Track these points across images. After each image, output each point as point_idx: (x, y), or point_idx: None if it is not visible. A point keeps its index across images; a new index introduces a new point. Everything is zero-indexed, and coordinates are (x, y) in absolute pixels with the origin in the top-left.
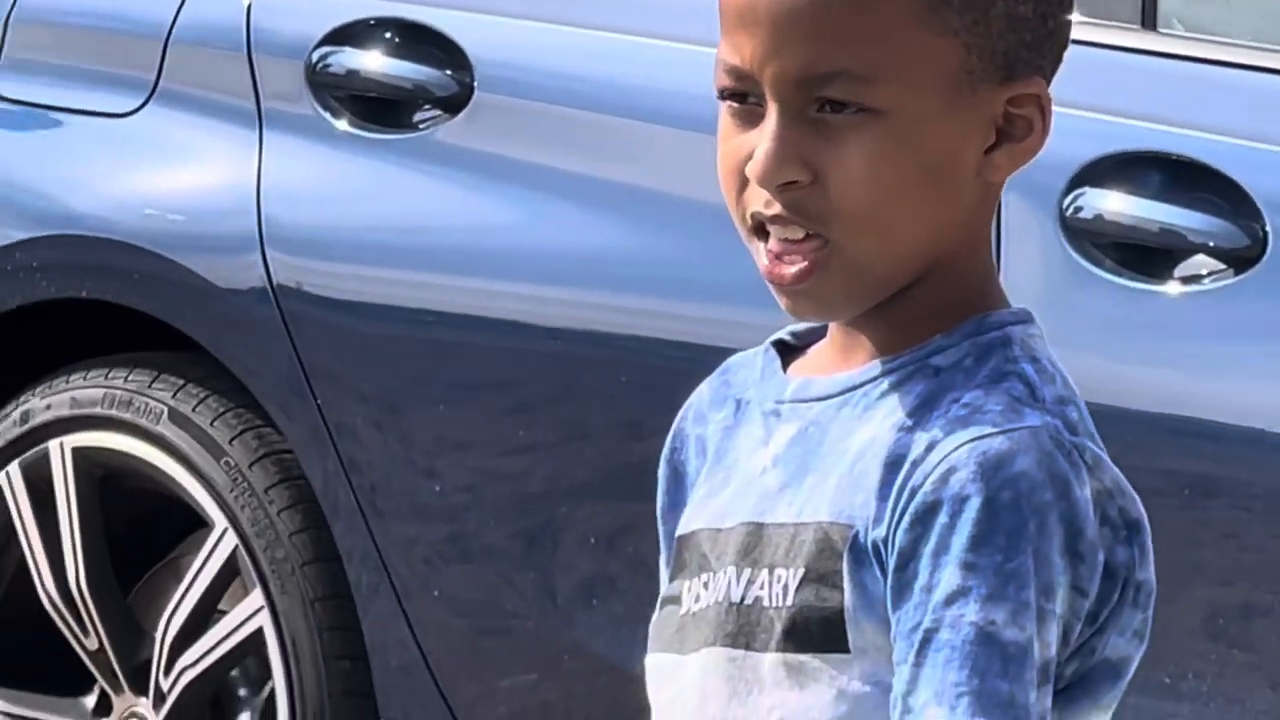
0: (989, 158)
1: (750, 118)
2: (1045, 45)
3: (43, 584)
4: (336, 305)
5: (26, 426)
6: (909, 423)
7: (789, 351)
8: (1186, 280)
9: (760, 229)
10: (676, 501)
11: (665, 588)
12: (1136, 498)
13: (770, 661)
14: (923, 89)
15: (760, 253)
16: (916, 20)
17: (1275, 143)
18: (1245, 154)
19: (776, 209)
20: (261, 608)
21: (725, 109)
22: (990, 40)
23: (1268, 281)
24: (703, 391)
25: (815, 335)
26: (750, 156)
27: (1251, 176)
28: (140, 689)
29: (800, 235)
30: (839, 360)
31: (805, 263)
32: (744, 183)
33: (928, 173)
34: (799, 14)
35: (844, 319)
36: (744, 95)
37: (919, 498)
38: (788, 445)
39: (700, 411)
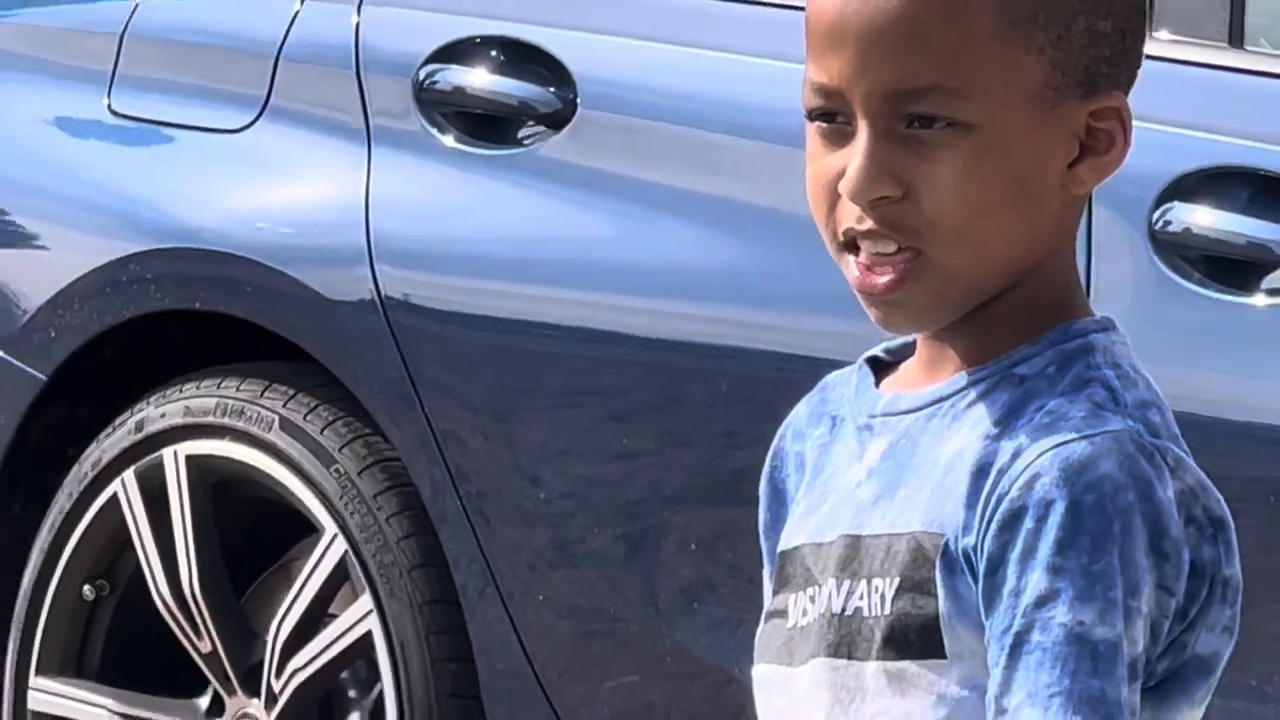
0: (1073, 171)
1: (838, 137)
2: (1123, 61)
3: (157, 588)
4: (444, 317)
5: (142, 435)
6: (995, 431)
7: (882, 368)
8: (1272, 293)
9: (851, 244)
10: (778, 518)
11: (769, 602)
12: (1220, 497)
13: (872, 670)
14: (1008, 103)
15: (850, 266)
16: (1002, 36)
17: None
18: None
19: (868, 224)
20: (370, 611)
21: (813, 129)
22: (1072, 55)
23: None
24: (800, 410)
25: (908, 351)
26: (840, 174)
27: None
28: (252, 690)
29: (892, 249)
30: (926, 374)
31: (895, 274)
32: (833, 201)
33: (1015, 186)
34: (889, 30)
35: (933, 329)
36: (833, 115)
37: (1005, 504)
38: (880, 458)
39: (799, 429)
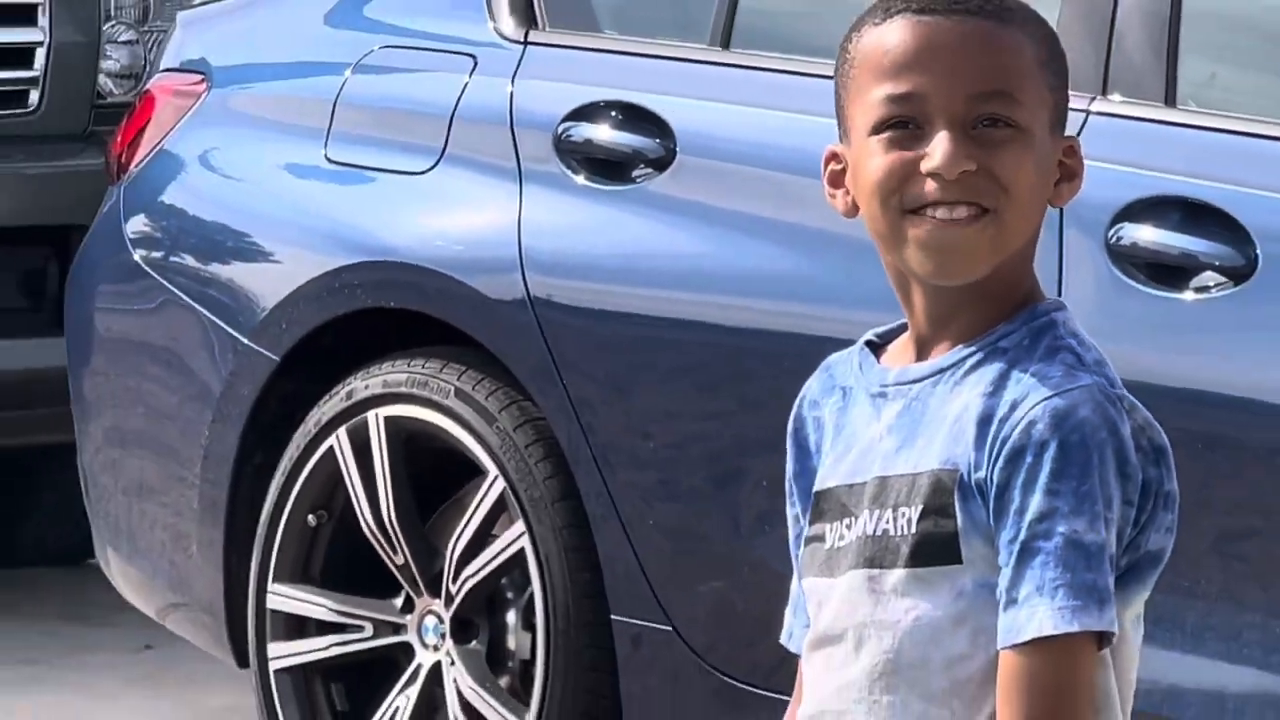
0: (1057, 188)
1: (909, 140)
2: (1067, 117)
3: (363, 517)
4: (576, 311)
5: (351, 402)
6: (991, 390)
7: (876, 350)
8: (1199, 290)
9: (917, 211)
10: (804, 467)
11: (805, 530)
12: (1160, 429)
13: (899, 576)
14: (1041, 120)
15: (918, 225)
16: (1039, 67)
17: (1261, 188)
18: (1239, 197)
19: (950, 193)
20: (523, 534)
21: (878, 140)
22: (1061, 101)
23: (1258, 291)
24: (812, 384)
25: (893, 335)
26: (913, 163)
27: (1244, 214)
28: (435, 593)
29: (963, 214)
30: (922, 350)
31: (969, 215)
32: (902, 182)
33: (1043, 180)
34: (969, 47)
35: (970, 279)
36: (905, 122)
37: (1009, 445)
38: (896, 417)
39: (813, 399)
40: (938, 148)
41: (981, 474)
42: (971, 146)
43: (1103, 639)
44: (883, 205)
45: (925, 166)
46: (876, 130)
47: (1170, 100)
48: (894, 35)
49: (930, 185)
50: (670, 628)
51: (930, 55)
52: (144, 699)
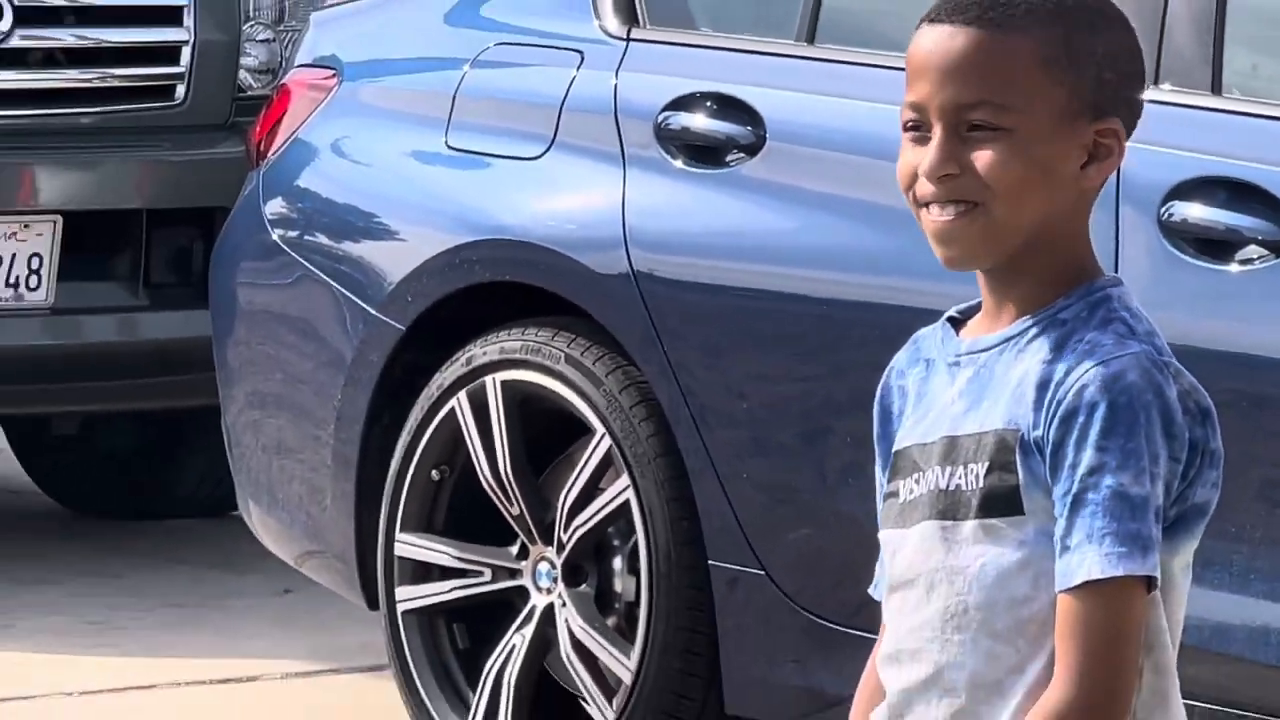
0: (1084, 171)
1: (921, 141)
2: (1123, 100)
3: (482, 473)
4: (676, 284)
5: (470, 367)
6: (1050, 357)
7: (956, 324)
8: (1243, 262)
9: (925, 205)
10: (887, 430)
11: (884, 486)
12: (1205, 393)
13: (970, 527)
14: (1036, 118)
15: (924, 220)
16: (1037, 69)
17: None
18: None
19: (938, 196)
20: (628, 486)
21: (906, 138)
22: (1085, 92)
23: None
24: (901, 356)
25: (973, 311)
26: (926, 168)
27: None
28: (547, 541)
29: (950, 212)
30: (992, 324)
31: (953, 217)
32: (911, 180)
33: (1041, 173)
34: (955, 63)
35: (980, 266)
36: (918, 126)
37: (1063, 407)
38: (967, 383)
39: (901, 370)
40: (927, 154)
41: (1039, 433)
42: (959, 148)
43: (1150, 583)
44: (906, 198)
45: (919, 170)
46: (904, 129)
47: (1216, 89)
48: (914, 44)
49: (925, 186)
50: (763, 572)
51: (929, 66)
52: (282, 639)
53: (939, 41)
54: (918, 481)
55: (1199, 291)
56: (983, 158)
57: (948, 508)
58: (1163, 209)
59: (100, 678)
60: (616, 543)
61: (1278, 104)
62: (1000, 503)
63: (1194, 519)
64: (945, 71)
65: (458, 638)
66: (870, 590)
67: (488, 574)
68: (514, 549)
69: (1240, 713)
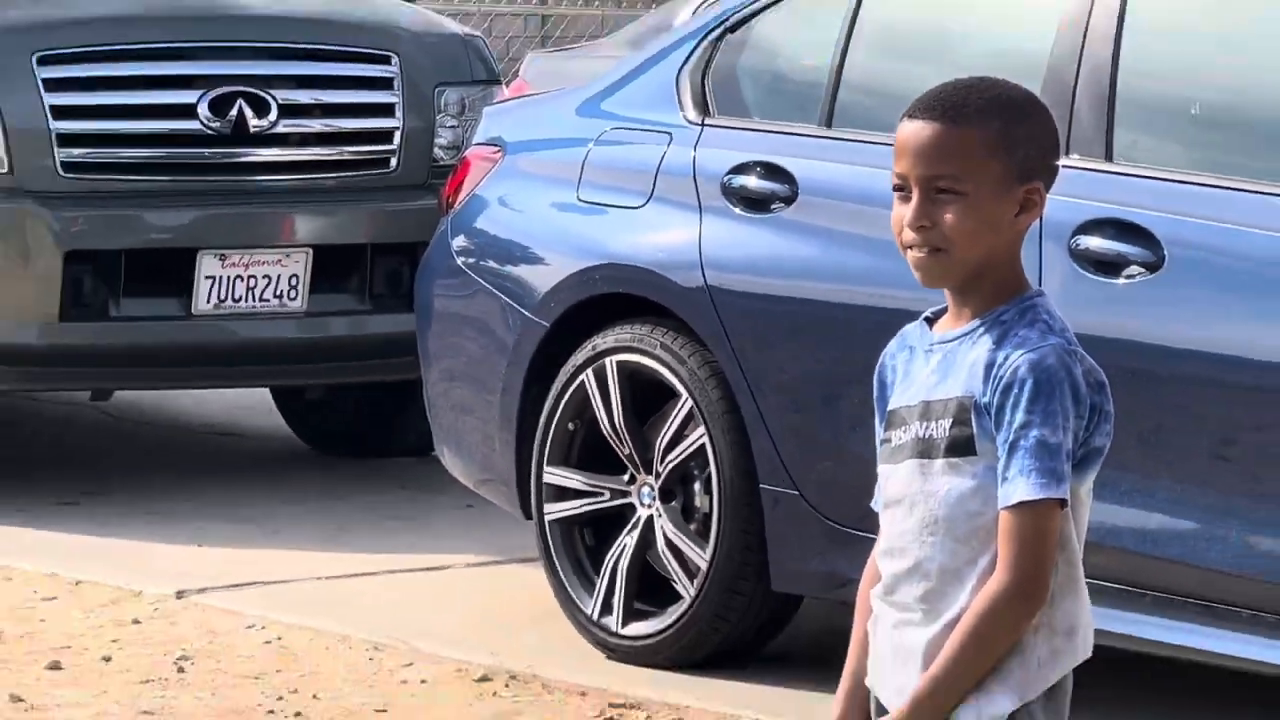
0: (1016, 219)
1: (905, 199)
2: (1044, 167)
3: (603, 424)
4: (736, 294)
5: (594, 352)
6: (994, 347)
7: (930, 322)
8: (1128, 277)
9: (909, 248)
10: (883, 396)
11: (881, 435)
12: (1101, 371)
13: (939, 464)
14: (982, 185)
15: (908, 255)
16: (982, 152)
17: (1166, 211)
18: (1153, 218)
19: (916, 239)
20: (703, 434)
21: (895, 196)
22: (1017, 165)
23: (1166, 277)
24: (892, 345)
25: (941, 313)
26: (908, 221)
27: (1156, 229)
28: (648, 472)
29: (924, 251)
30: (954, 323)
31: (926, 255)
32: (900, 228)
33: (986, 225)
34: (927, 147)
35: (945, 286)
36: (902, 188)
37: (1003, 382)
38: (938, 364)
39: (892, 354)
40: (909, 210)
41: (987, 399)
42: (931, 208)
43: (1062, 503)
44: (897, 240)
45: (905, 222)
46: (894, 190)
47: (1109, 157)
48: (899, 131)
49: (908, 234)
50: (797, 493)
51: (908, 148)
52: (465, 540)
53: (915, 132)
54: (904, 432)
55: (1097, 299)
56: (946, 216)
57: (924, 450)
58: (1071, 241)
59: (336, 567)
60: (695, 473)
61: (1151, 167)
62: (960, 447)
63: (1093, 459)
64: (919, 153)
65: (585, 539)
66: (871, 504)
67: (606, 495)
68: (625, 477)
69: (1125, 588)
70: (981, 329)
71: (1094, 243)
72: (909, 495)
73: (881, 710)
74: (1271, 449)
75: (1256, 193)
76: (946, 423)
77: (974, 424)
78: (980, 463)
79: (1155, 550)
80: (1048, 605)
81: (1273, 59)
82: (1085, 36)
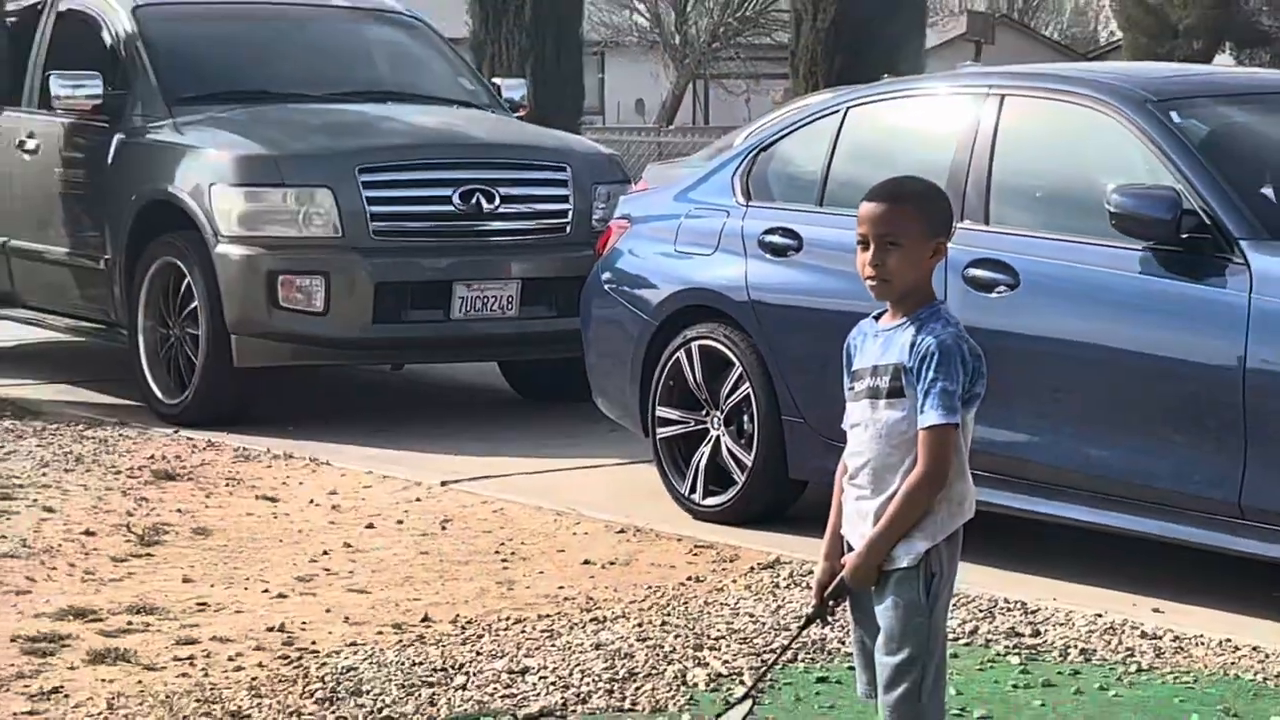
0: (931, 260)
1: (865, 248)
2: (946, 229)
3: (689, 381)
4: (768, 305)
5: (684, 339)
6: (916, 334)
7: (877, 318)
8: (998, 293)
9: (868, 280)
10: (849, 361)
11: (848, 386)
12: (979, 347)
13: (883, 402)
14: (912, 241)
15: (866, 284)
16: (911, 221)
17: (1020, 252)
18: (1014, 257)
19: (873, 276)
20: (748, 386)
21: (859, 248)
22: (930, 229)
23: (1022, 292)
24: (853, 332)
25: (883, 313)
26: (867, 262)
27: (1014, 262)
28: (716, 408)
29: (876, 283)
30: (891, 319)
31: (878, 284)
32: (862, 268)
33: (911, 265)
34: (878, 217)
35: (890, 301)
36: (864, 243)
37: (920, 354)
38: (881, 344)
39: (853, 337)
40: (868, 257)
41: (911, 365)
42: (880, 254)
43: (956, 426)
44: (861, 274)
45: (865, 264)
46: (858, 243)
47: (988, 221)
48: (862, 207)
49: (867, 270)
50: (803, 420)
51: (867, 218)
52: (611, 449)
53: (871, 209)
54: (861, 383)
55: (980, 305)
56: (890, 260)
57: (873, 394)
58: (964, 271)
59: (535, 466)
60: (743, 410)
61: (1013, 227)
62: (895, 392)
63: (974, 400)
64: (873, 220)
65: (680, 449)
66: (842, 425)
67: (691, 423)
68: (702, 412)
69: (997, 476)
70: (908, 323)
71: (978, 272)
72: (864, 420)
73: (849, 549)
74: (1080, 394)
75: (1074, 242)
76: (887, 378)
77: (903, 379)
78: (906, 402)
79: (1014, 454)
80: (947, 487)
81: (1070, 166)
82: (972, 151)
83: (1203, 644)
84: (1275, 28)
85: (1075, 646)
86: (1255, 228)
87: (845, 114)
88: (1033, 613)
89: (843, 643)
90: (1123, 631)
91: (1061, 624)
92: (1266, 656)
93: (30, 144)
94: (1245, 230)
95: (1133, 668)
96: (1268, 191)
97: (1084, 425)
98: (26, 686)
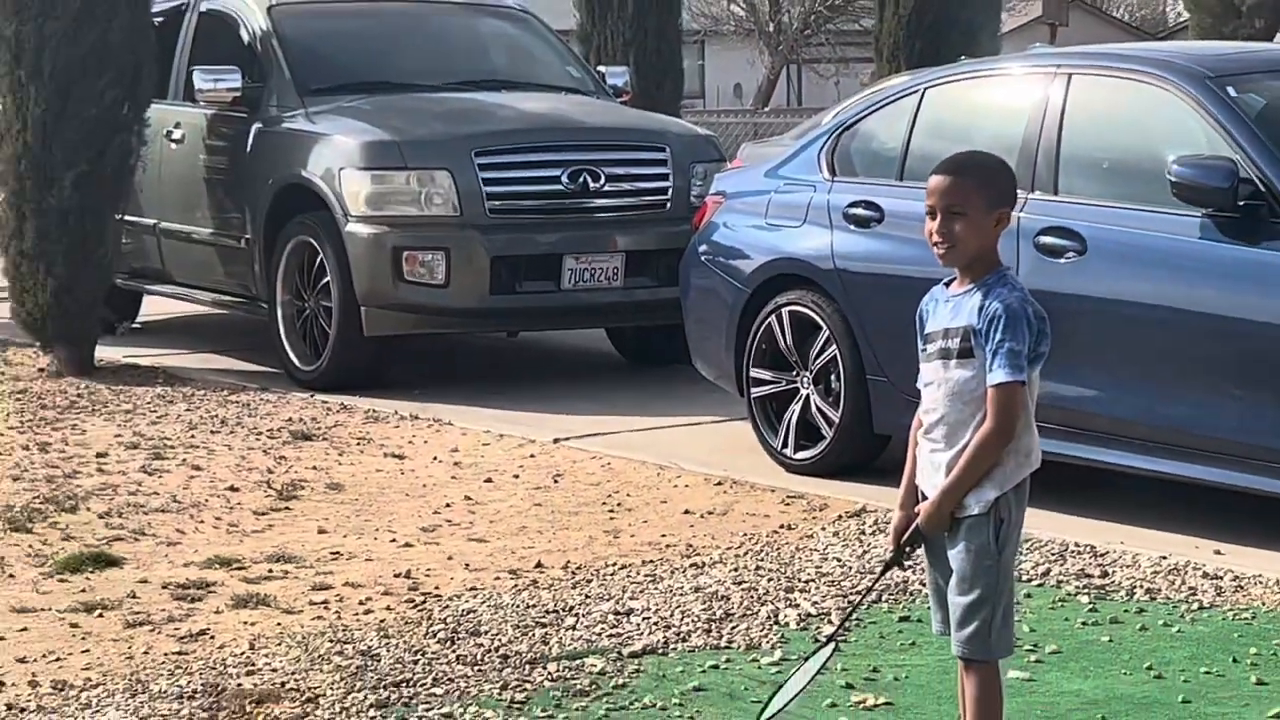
0: (995, 228)
1: (933, 218)
2: (1009, 198)
3: (780, 344)
4: (852, 272)
5: (775, 305)
6: (983, 296)
7: (947, 285)
8: (1066, 258)
9: (934, 245)
10: (921, 325)
11: (921, 347)
12: (1043, 309)
13: (954, 362)
14: (975, 210)
15: (934, 250)
16: (975, 192)
17: (1089, 220)
18: (1082, 225)
19: (940, 242)
20: (835, 348)
21: (927, 217)
22: (993, 198)
23: (1090, 259)
24: (925, 299)
25: (952, 281)
26: (935, 230)
27: (1081, 229)
28: (805, 369)
29: (943, 250)
30: (960, 286)
31: (945, 250)
32: (929, 236)
33: (975, 233)
34: (944, 189)
35: (958, 266)
36: (932, 212)
37: (987, 315)
38: (952, 308)
39: (925, 302)
40: (935, 225)
41: (979, 326)
42: (946, 223)
43: (1022, 384)
44: (929, 241)
45: (933, 231)
46: (927, 213)
47: (1057, 191)
48: (930, 180)
49: (935, 238)
50: (886, 379)
51: (934, 190)
52: (709, 407)
53: (937, 181)
54: (933, 345)
55: (1048, 270)
56: (956, 228)
57: (945, 354)
58: (1036, 239)
59: (640, 424)
60: (831, 370)
61: (1080, 197)
62: (965, 353)
63: (1039, 359)
64: (939, 193)
65: (772, 406)
66: (917, 384)
67: (783, 382)
68: (793, 373)
69: (1062, 428)
70: (975, 289)
71: (1048, 239)
72: (937, 379)
73: (924, 498)
74: (1143, 352)
75: (1137, 210)
76: (957, 340)
77: (972, 341)
78: (975, 362)
79: (1083, 408)
80: (1015, 440)
81: (1133, 139)
82: (1042, 127)
83: (1261, 583)
84: None
85: (1141, 586)
86: None
87: (923, 94)
88: (1101, 555)
89: (922, 584)
90: (1185, 572)
91: (1128, 566)
92: None
93: (176, 134)
94: None
95: (1195, 606)
96: None
97: (1148, 380)
98: (176, 629)
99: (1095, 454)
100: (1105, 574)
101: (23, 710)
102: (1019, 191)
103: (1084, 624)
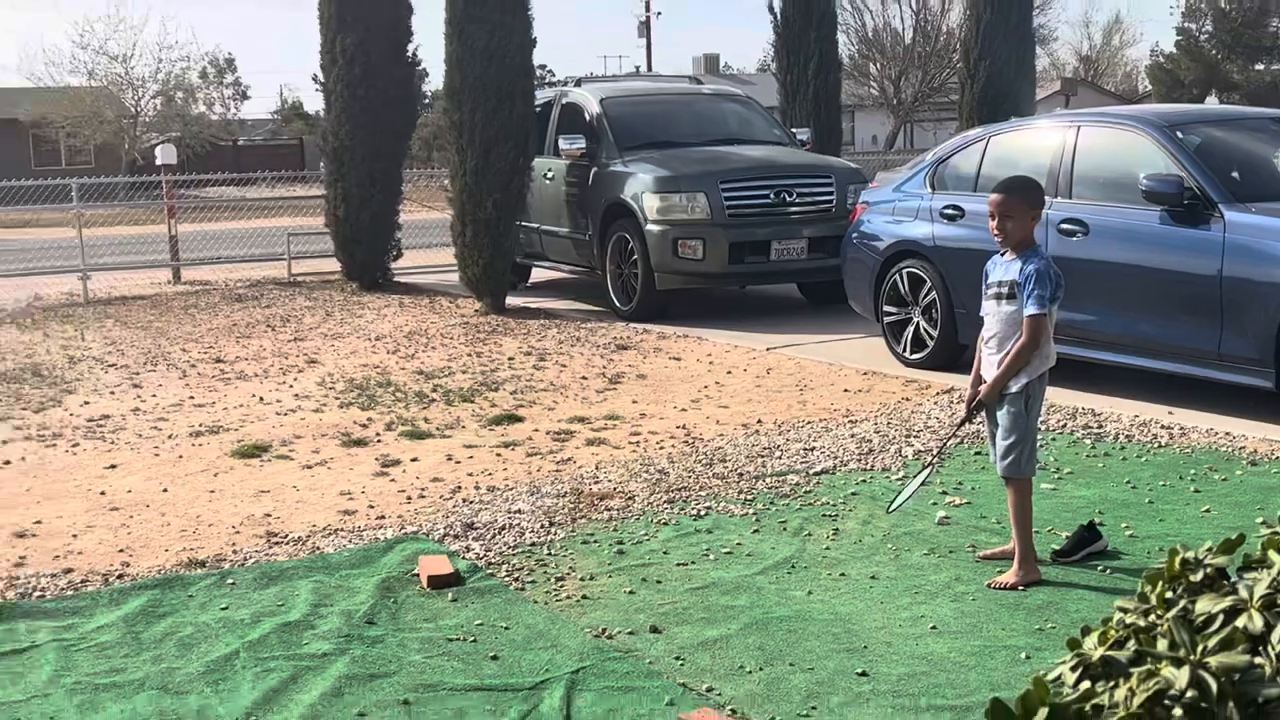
0: (1031, 224)
1: (993, 218)
2: (1038, 206)
3: (902, 292)
4: (946, 249)
5: (898, 269)
6: (1022, 264)
7: (1001, 255)
8: (1075, 236)
9: (995, 236)
10: (985, 277)
11: (985, 291)
12: (1060, 271)
13: (1005, 301)
14: (1022, 213)
15: (994, 237)
16: (1020, 203)
17: (1096, 215)
18: (1089, 219)
19: (996, 234)
20: (935, 294)
21: (989, 218)
22: (1030, 206)
23: (1093, 238)
24: (989, 262)
25: (1004, 253)
26: (994, 227)
27: (1087, 219)
28: (916, 304)
29: (999, 237)
30: (1009, 256)
31: (1001, 237)
32: (991, 232)
33: (1020, 227)
34: (1000, 202)
35: (1009, 248)
36: (993, 215)
37: (1025, 273)
38: (1004, 268)
39: (990, 264)
40: (993, 225)
41: (1019, 280)
42: (1001, 223)
43: (1046, 315)
44: (991, 232)
45: (993, 228)
46: (989, 215)
47: (1070, 196)
48: (991, 196)
49: (993, 232)
50: (965, 310)
51: (991, 202)
52: (855, 327)
53: (994, 197)
54: (991, 290)
55: (1065, 245)
56: (1007, 225)
57: (998, 296)
58: (1057, 225)
59: (811, 339)
60: (932, 307)
61: (1085, 199)
62: (1011, 296)
63: (1057, 301)
64: (995, 204)
65: (896, 328)
66: (980, 313)
67: (902, 313)
68: (909, 308)
69: (1075, 338)
70: (1018, 259)
71: (1066, 225)
72: (993, 311)
73: (983, 381)
74: (1125, 293)
75: (1121, 207)
76: (1007, 288)
77: (1017, 288)
78: (1017, 302)
79: (1087, 327)
80: (1039, 348)
81: (1119, 164)
82: (1061, 158)
83: (1198, 432)
84: (1244, 81)
85: (1123, 434)
86: (1228, 196)
87: (988, 140)
88: (1098, 415)
89: (982, 434)
90: (1151, 425)
91: (1115, 421)
92: (1234, 438)
93: (549, 175)
94: (1221, 197)
95: (1157, 445)
96: (1235, 175)
97: (1127, 311)
98: (554, 457)
99: (1094, 354)
100: (1100, 426)
101: (470, 502)
102: (1047, 198)
103: (1088, 456)
